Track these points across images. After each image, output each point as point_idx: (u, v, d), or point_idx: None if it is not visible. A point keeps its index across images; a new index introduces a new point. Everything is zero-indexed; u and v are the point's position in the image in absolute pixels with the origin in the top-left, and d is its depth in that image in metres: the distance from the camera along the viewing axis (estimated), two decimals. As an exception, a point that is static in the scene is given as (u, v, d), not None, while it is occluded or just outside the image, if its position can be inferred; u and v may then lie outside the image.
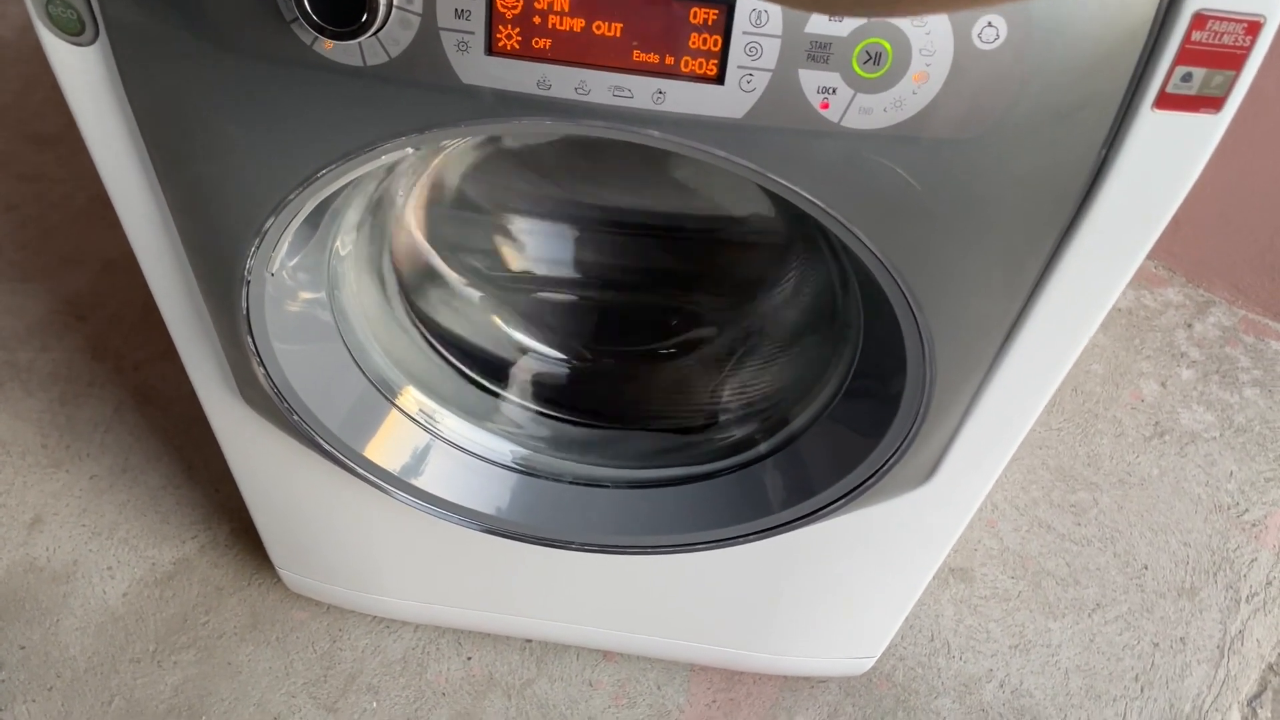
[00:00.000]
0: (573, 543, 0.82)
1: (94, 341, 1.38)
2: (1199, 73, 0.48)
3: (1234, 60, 0.48)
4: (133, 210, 0.66)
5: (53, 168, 1.59)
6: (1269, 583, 1.28)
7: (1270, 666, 1.21)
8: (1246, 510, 1.34)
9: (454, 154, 0.77)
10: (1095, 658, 1.20)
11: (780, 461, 0.75)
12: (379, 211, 0.76)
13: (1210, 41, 0.47)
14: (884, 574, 0.90)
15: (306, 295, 0.72)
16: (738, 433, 0.78)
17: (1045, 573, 1.26)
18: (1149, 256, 1.54)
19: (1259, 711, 1.18)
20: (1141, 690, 1.18)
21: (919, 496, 0.76)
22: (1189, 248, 1.51)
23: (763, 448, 0.76)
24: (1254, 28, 0.47)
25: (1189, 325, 1.52)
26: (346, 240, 0.73)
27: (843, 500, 0.72)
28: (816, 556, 0.86)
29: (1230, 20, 0.47)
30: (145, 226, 0.67)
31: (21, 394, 1.32)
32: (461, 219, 0.82)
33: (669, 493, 0.79)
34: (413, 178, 0.77)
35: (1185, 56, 0.48)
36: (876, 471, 0.69)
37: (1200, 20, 0.47)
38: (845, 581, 0.91)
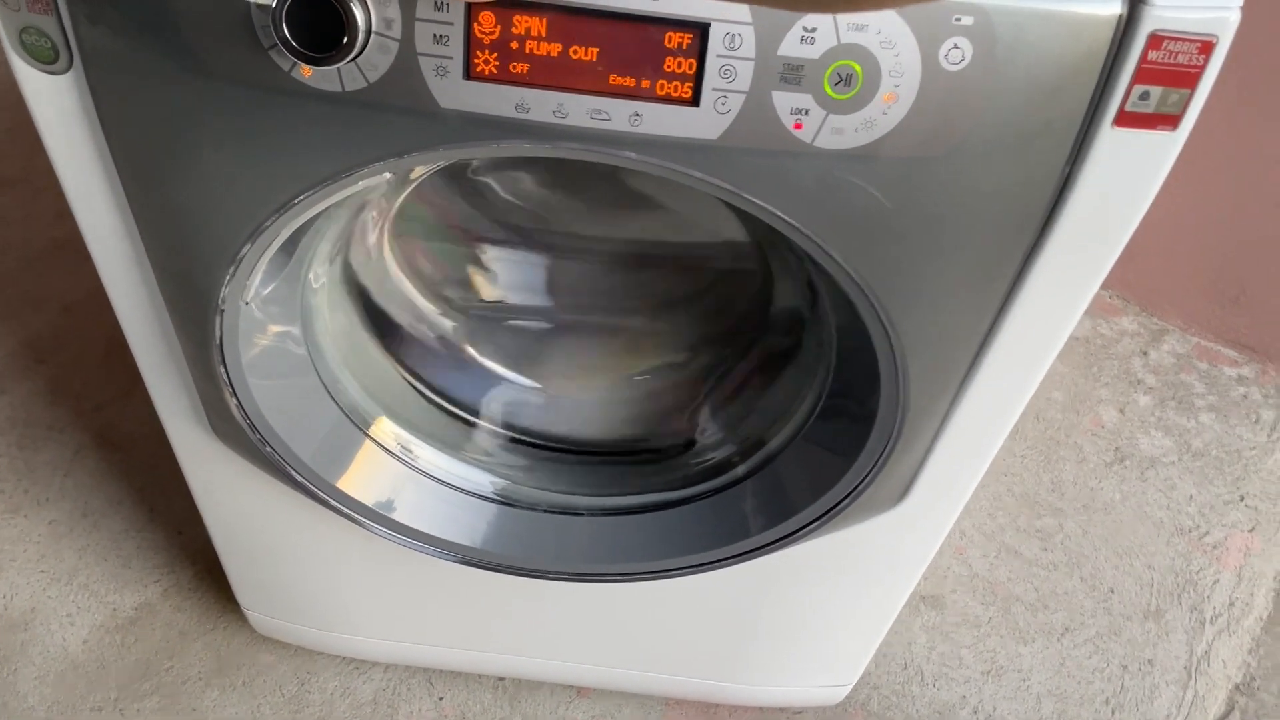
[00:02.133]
0: (549, 572, 0.82)
1: (53, 384, 1.36)
2: (1156, 91, 0.50)
3: (1189, 79, 0.50)
4: (103, 240, 0.66)
5: (10, 210, 1.57)
6: (1231, 604, 1.30)
7: (1237, 687, 1.22)
8: (1207, 533, 1.36)
9: (426, 184, 0.77)
10: (1066, 682, 1.21)
11: (758, 483, 0.75)
12: (351, 242, 0.76)
13: (1166, 61, 0.49)
14: (858, 599, 0.90)
15: (279, 328, 0.72)
16: (715, 456, 0.79)
17: (1014, 598, 1.27)
18: (1104, 286, 1.58)
19: (1227, 731, 1.19)
20: (1112, 713, 1.19)
21: (893, 518, 0.77)
22: (1142, 277, 1.54)
23: (740, 470, 0.76)
24: (1207, 47, 0.49)
25: (1144, 353, 1.55)
26: (319, 272, 0.73)
27: (819, 521, 0.72)
28: (792, 582, 0.86)
29: (1185, 40, 0.48)
30: (115, 256, 0.66)
31: (-22, 439, 1.29)
32: (434, 249, 0.83)
33: (647, 519, 0.79)
34: (385, 207, 0.77)
35: (1143, 76, 0.50)
36: (852, 491, 0.70)
37: (1156, 40, 0.49)
38: (820, 608, 0.91)
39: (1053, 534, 1.34)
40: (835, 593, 0.89)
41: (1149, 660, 1.24)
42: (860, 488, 0.70)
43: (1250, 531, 1.36)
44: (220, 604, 1.17)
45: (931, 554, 0.85)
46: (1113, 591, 1.29)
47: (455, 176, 0.78)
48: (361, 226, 0.76)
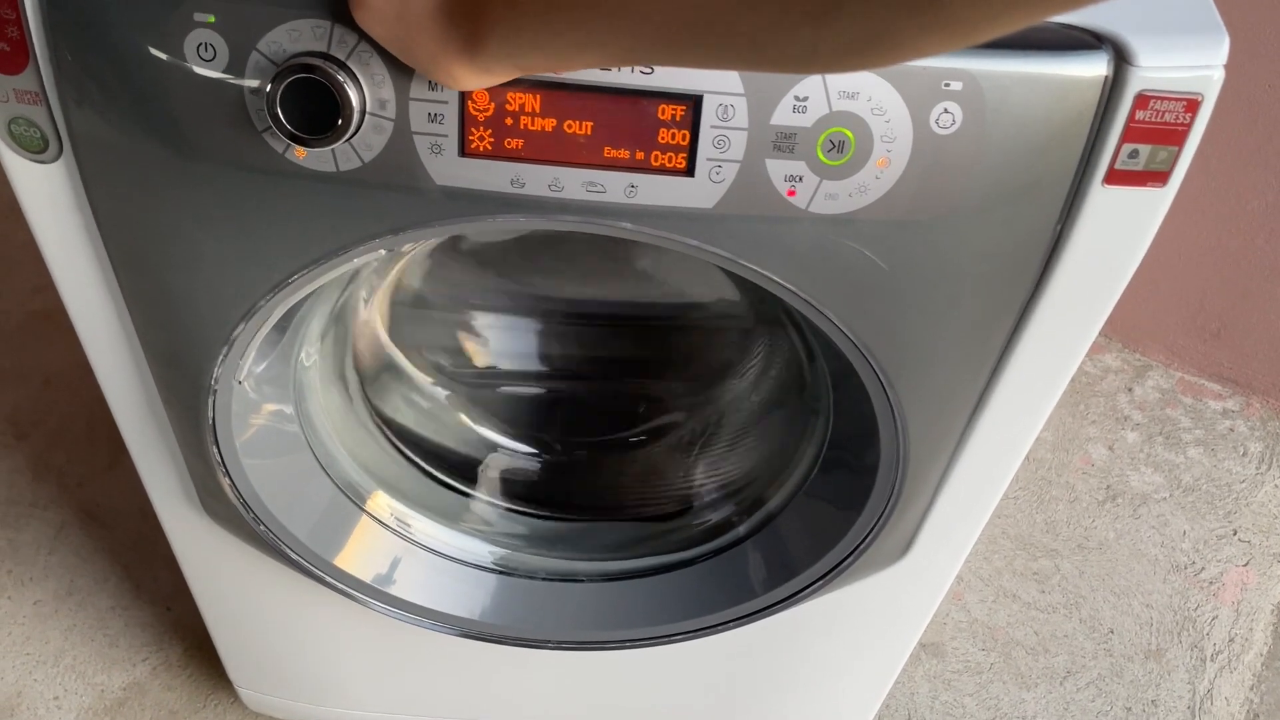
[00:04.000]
0: (549, 641, 0.80)
1: (35, 460, 1.34)
2: (1145, 149, 0.51)
3: (1176, 136, 0.51)
4: (91, 323, 0.65)
5: (-12, 286, 1.56)
6: (1231, 640, 1.29)
7: (1240, 724, 1.22)
8: (1203, 569, 1.36)
9: (415, 257, 0.77)
10: (1071, 727, 1.20)
11: (760, 543, 0.75)
12: (342, 319, 0.76)
13: (1153, 120, 0.50)
14: (862, 654, 0.90)
15: (272, 407, 0.71)
16: (715, 516, 0.78)
17: (1015, 643, 1.27)
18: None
19: (1234, 770, 1.18)
20: (1119, 756, 1.18)
21: (896, 572, 0.77)
22: (1123, 314, 1.56)
23: (741, 529, 0.76)
24: (1193, 105, 0.49)
25: (1129, 389, 1.56)
26: (311, 351, 0.73)
27: (824, 579, 0.71)
28: (795, 640, 0.86)
29: (1171, 99, 0.49)
30: (103, 338, 0.66)
31: (-41, 519, 1.27)
32: (425, 319, 0.82)
33: (648, 583, 0.78)
34: (375, 282, 0.77)
35: (1131, 135, 0.51)
36: (857, 547, 0.70)
37: (1143, 100, 0.49)
38: (824, 664, 0.90)
39: (1050, 575, 1.34)
40: (839, 649, 0.88)
41: (1152, 701, 1.23)
42: (864, 544, 0.70)
43: (1245, 566, 1.37)
44: (211, 681, 1.15)
45: (935, 606, 0.85)
46: (1112, 632, 1.29)
47: (444, 248, 0.78)
48: (352, 302, 0.75)
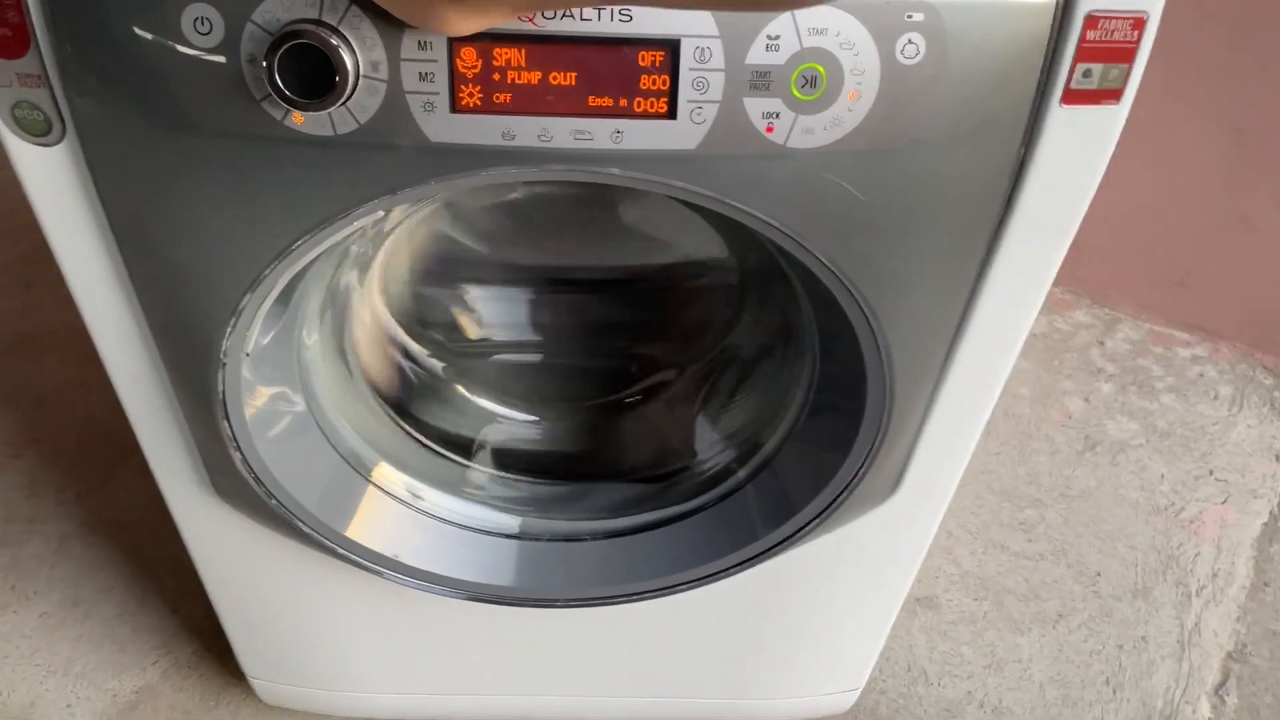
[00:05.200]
0: (558, 600, 0.83)
1: (31, 478, 1.35)
2: (1097, 68, 0.54)
3: (1126, 54, 0.54)
4: (98, 305, 0.67)
5: (-29, 310, 1.57)
6: (1214, 575, 1.33)
7: (1229, 655, 1.26)
8: (1182, 509, 1.40)
9: (402, 233, 0.79)
10: (1066, 667, 1.23)
11: (759, 486, 0.77)
12: (338, 297, 0.78)
13: (1103, 39, 0.53)
14: (860, 598, 0.92)
15: (279, 388, 0.73)
16: (715, 465, 0.81)
17: (1006, 591, 1.30)
18: (1055, 283, 1.63)
19: (1226, 699, 1.22)
20: (1114, 693, 1.21)
21: (888, 511, 0.79)
22: (1091, 270, 1.60)
23: (741, 475, 0.78)
24: (1139, 23, 0.53)
25: (1101, 343, 1.60)
26: (311, 330, 0.75)
27: (821, 517, 0.74)
28: (795, 586, 0.88)
29: (1118, 18, 0.52)
30: (111, 320, 0.68)
31: (-41, 539, 1.28)
32: (418, 294, 0.84)
33: (653, 536, 0.80)
34: (367, 258, 0.79)
35: (1083, 55, 0.54)
36: (848, 484, 0.72)
37: (1092, 20, 0.53)
38: (824, 610, 0.93)
39: (1035, 525, 1.37)
40: (838, 594, 0.91)
41: (1142, 638, 1.27)
42: (855, 480, 0.72)
43: (1223, 504, 1.41)
44: (222, 679, 1.16)
45: (926, 545, 0.88)
46: (1099, 575, 1.32)
47: (431, 223, 0.80)
48: (347, 279, 0.78)
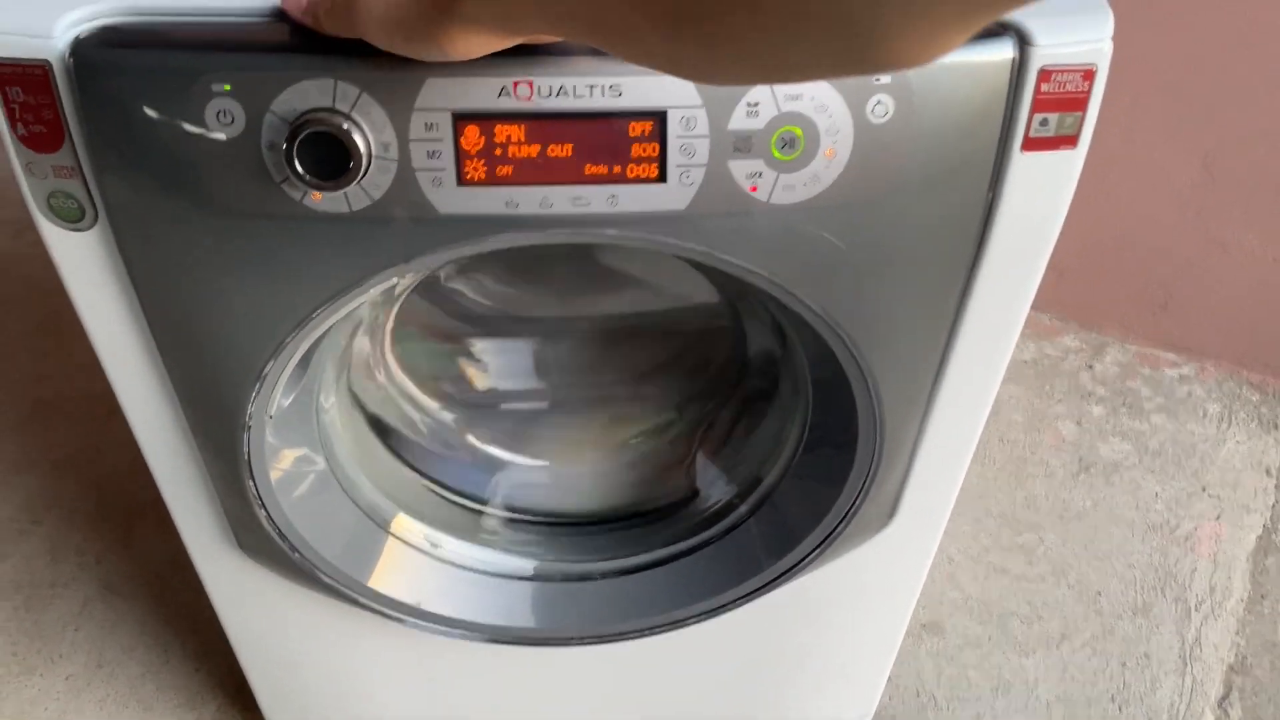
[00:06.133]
0: (570, 638, 0.86)
1: (51, 543, 1.38)
2: (1053, 117, 0.59)
3: (1079, 103, 0.58)
4: (127, 375, 0.70)
5: (-12, 381, 1.60)
6: (1212, 589, 1.36)
7: (1231, 668, 1.28)
8: (1178, 526, 1.43)
9: (408, 300, 0.84)
10: (1071, 686, 1.26)
11: (761, 519, 0.81)
12: (353, 360, 0.82)
13: (1057, 91, 0.58)
14: (866, 623, 0.95)
15: (300, 449, 0.77)
16: (718, 501, 0.84)
17: (1009, 613, 1.33)
18: (1042, 310, 1.68)
19: (1230, 712, 1.24)
20: (1120, 709, 1.24)
21: (886, 538, 0.83)
22: (1076, 297, 1.64)
23: (743, 509, 0.82)
24: (1089, 74, 0.57)
25: (1090, 366, 1.64)
26: (328, 393, 0.79)
27: (821, 547, 0.78)
28: (801, 616, 0.91)
29: (1070, 71, 0.57)
30: (140, 389, 0.71)
31: (-16, 606, 1.31)
32: (425, 352, 0.88)
33: (659, 573, 0.84)
34: (377, 328, 0.83)
35: (1040, 105, 0.58)
36: (846, 514, 0.76)
37: (1046, 74, 0.57)
38: (831, 637, 0.96)
39: (1034, 548, 1.40)
40: (844, 621, 0.94)
41: (1145, 654, 1.29)
42: (853, 510, 0.76)
43: (1217, 519, 1.44)
44: (246, 732, 1.19)
45: (926, 569, 0.91)
46: (1100, 594, 1.35)
47: (431, 287, 0.85)
48: (360, 348, 0.82)
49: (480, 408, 0.91)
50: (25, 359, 1.61)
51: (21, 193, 0.62)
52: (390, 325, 0.84)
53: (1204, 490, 1.48)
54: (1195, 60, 1.38)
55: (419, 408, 0.88)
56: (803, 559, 0.79)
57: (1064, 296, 1.63)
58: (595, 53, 0.56)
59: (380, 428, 0.86)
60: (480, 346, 0.89)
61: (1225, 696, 1.26)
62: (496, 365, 0.90)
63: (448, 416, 0.90)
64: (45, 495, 1.44)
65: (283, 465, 0.76)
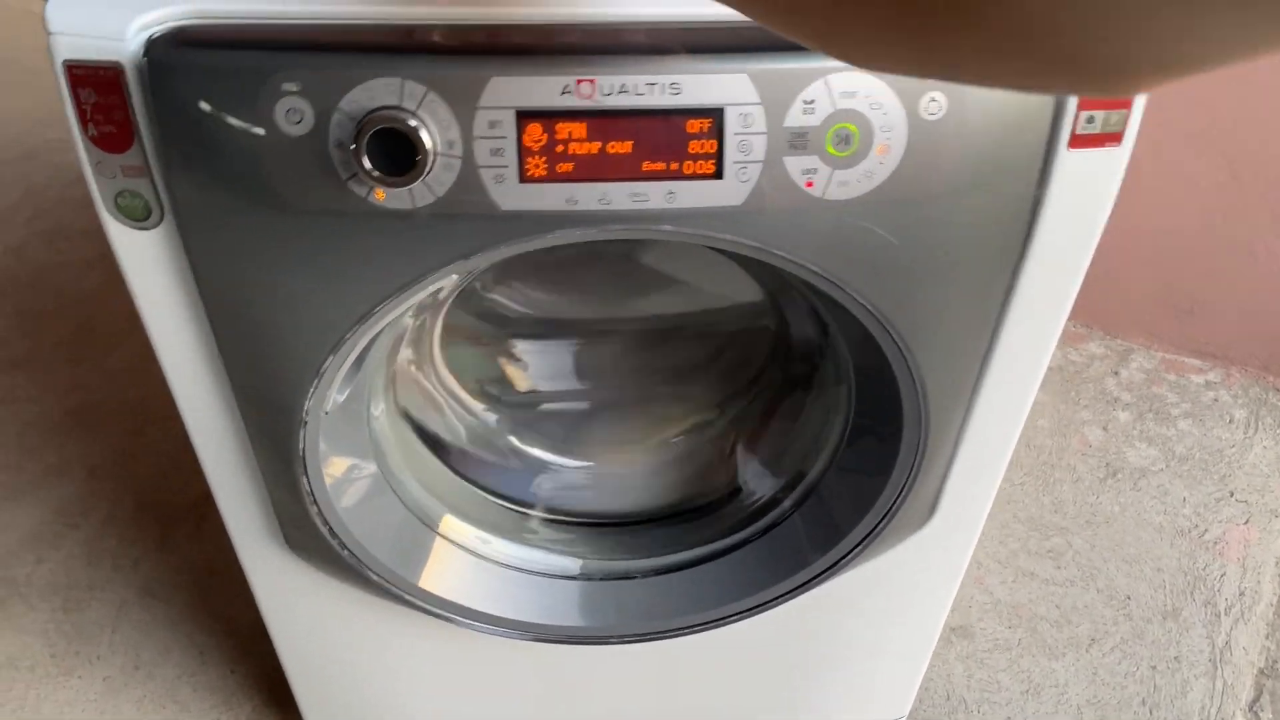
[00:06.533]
0: (612, 637, 0.87)
1: (89, 546, 1.40)
2: (1099, 114, 0.60)
3: (1125, 101, 0.59)
4: (184, 371, 0.72)
5: (24, 388, 1.62)
6: (1241, 593, 1.36)
7: (1261, 671, 1.28)
8: (1206, 530, 1.43)
9: (452, 306, 0.85)
10: (1101, 690, 1.26)
11: (806, 513, 0.82)
12: (400, 366, 0.83)
13: (1106, 89, 0.59)
14: (902, 623, 0.96)
15: (351, 457, 0.78)
16: (762, 496, 0.85)
17: (1039, 617, 1.33)
18: (1068, 318, 1.69)
19: (1261, 715, 1.24)
20: (1150, 713, 1.24)
21: (925, 536, 0.84)
22: (1103, 304, 1.65)
23: (787, 504, 0.83)
24: (1138, 74, 0.58)
25: (1116, 373, 1.65)
26: (377, 401, 0.80)
27: (866, 540, 0.79)
28: (842, 612, 0.92)
29: (1119, 70, 0.58)
30: (196, 387, 0.73)
31: (23, 608, 1.32)
32: (472, 354, 0.90)
33: (703, 570, 0.85)
34: (425, 327, 0.84)
35: (1086, 103, 0.59)
36: (891, 507, 0.77)
37: (1096, 73, 0.58)
38: (868, 635, 0.96)
39: (1063, 552, 1.41)
40: (880, 620, 0.95)
41: (1175, 658, 1.29)
42: (897, 504, 0.77)
43: (1245, 524, 1.44)
44: (282, 734, 1.20)
45: (962, 570, 0.92)
46: (1129, 598, 1.36)
47: (471, 295, 0.86)
48: (405, 356, 0.83)
49: (523, 409, 0.92)
50: (61, 366, 1.63)
51: (89, 192, 0.63)
52: (438, 330, 0.86)
53: (1232, 495, 1.48)
54: (1221, 70, 1.39)
55: (465, 409, 0.89)
56: (846, 554, 0.80)
57: (1089, 303, 1.64)
58: (655, 50, 0.57)
59: (425, 435, 0.88)
60: (522, 348, 0.91)
61: (1256, 700, 1.26)
62: (538, 367, 0.91)
63: (491, 418, 0.91)
64: (82, 500, 1.46)
65: (336, 473, 0.77)
